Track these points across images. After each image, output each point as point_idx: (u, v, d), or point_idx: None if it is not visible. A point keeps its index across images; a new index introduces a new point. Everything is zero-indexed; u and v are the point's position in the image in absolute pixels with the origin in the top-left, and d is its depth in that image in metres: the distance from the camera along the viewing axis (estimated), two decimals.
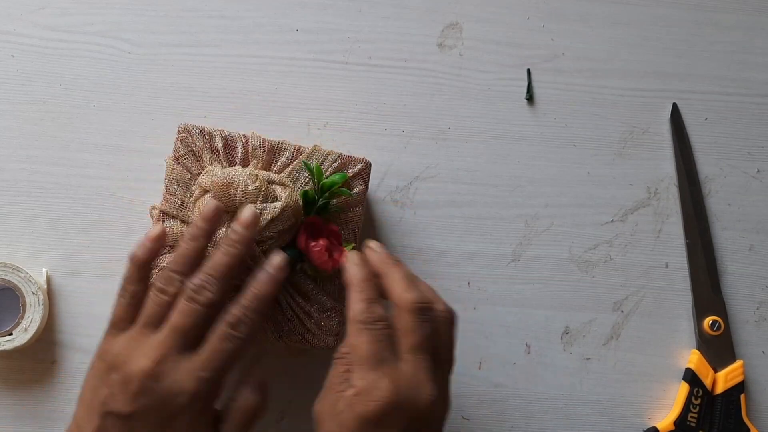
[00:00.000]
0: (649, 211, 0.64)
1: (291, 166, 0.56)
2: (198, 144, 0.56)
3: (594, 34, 0.66)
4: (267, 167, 0.55)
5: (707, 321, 0.61)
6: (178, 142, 0.56)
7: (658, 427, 0.59)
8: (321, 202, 0.55)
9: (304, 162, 0.55)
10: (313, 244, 0.54)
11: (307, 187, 0.55)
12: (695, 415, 0.59)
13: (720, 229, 0.64)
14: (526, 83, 0.65)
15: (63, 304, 0.60)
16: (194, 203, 0.54)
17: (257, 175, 0.53)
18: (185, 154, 0.56)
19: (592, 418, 0.61)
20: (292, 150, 0.56)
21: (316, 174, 0.55)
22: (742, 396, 0.59)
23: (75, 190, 0.62)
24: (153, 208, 0.56)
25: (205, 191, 0.53)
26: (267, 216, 0.51)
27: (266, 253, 0.52)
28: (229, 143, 0.56)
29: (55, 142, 0.62)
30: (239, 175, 0.52)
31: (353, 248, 0.55)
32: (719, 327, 0.61)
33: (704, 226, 0.63)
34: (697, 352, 0.60)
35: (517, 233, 0.63)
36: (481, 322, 0.62)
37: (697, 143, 0.65)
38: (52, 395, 0.59)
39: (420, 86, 0.64)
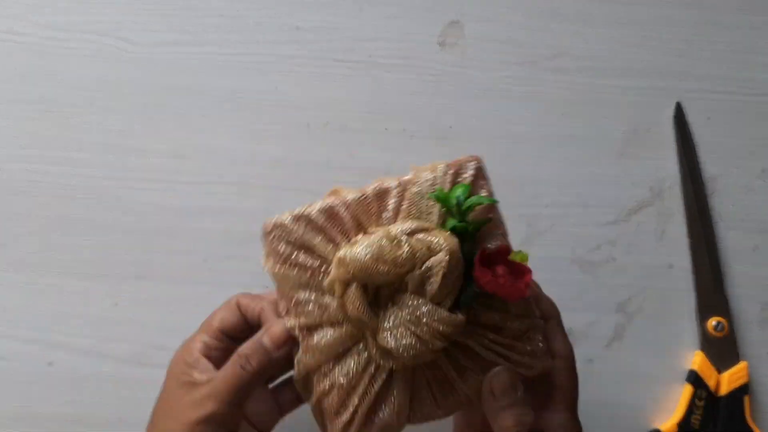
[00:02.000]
0: (653, 211, 0.63)
1: (405, 204, 0.45)
2: (298, 232, 0.45)
3: (596, 33, 0.66)
4: (380, 217, 0.46)
5: (711, 322, 0.60)
6: (275, 241, 0.45)
7: (662, 429, 0.59)
8: (470, 228, 0.45)
9: (430, 195, 0.45)
10: (498, 278, 0.43)
11: (433, 216, 0.45)
12: (699, 417, 0.58)
13: (724, 229, 0.63)
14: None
15: (62, 304, 0.60)
16: (341, 300, 0.43)
17: (395, 237, 0.43)
18: (291, 252, 0.45)
19: (595, 420, 0.60)
20: (395, 186, 0.46)
21: (445, 201, 0.45)
22: (746, 398, 0.59)
23: (75, 190, 0.62)
24: (291, 329, 0.45)
25: (347, 282, 0.43)
26: (437, 274, 0.42)
27: (450, 310, 0.43)
28: (330, 214, 0.45)
29: (55, 142, 0.62)
30: (380, 247, 0.42)
31: (522, 255, 0.45)
32: (723, 328, 0.60)
33: (708, 226, 0.63)
34: (701, 353, 0.60)
35: (519, 233, 0.62)
36: None
37: (700, 143, 0.64)
38: (50, 396, 0.59)
39: (421, 85, 0.64)
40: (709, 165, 0.64)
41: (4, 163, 0.62)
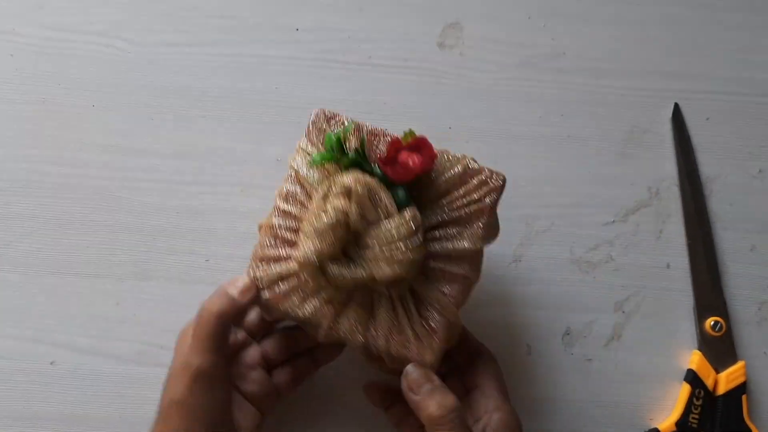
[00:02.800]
0: (651, 211, 0.63)
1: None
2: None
3: (595, 33, 0.66)
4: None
5: (709, 321, 0.61)
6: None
7: (660, 428, 0.59)
8: (352, 155, 0.50)
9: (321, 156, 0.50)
10: (407, 162, 0.49)
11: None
12: (696, 417, 0.59)
13: (721, 230, 0.63)
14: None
15: (63, 304, 0.60)
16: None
17: (321, 208, 0.48)
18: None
19: (594, 420, 0.60)
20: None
21: (331, 143, 0.50)
22: (744, 397, 0.59)
23: (75, 190, 0.62)
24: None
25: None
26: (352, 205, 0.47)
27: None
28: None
29: (55, 142, 0.62)
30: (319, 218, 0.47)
31: (409, 133, 0.50)
32: (721, 328, 0.61)
33: (706, 226, 0.63)
34: (699, 352, 0.60)
35: (517, 233, 0.63)
36: (482, 324, 0.61)
37: (698, 143, 0.64)
38: (52, 395, 0.59)
39: (420, 86, 0.64)
40: (707, 165, 0.64)
41: (3, 163, 0.62)
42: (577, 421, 0.60)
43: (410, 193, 0.49)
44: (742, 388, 0.59)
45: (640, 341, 0.61)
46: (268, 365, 0.53)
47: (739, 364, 0.60)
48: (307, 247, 0.47)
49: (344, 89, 0.64)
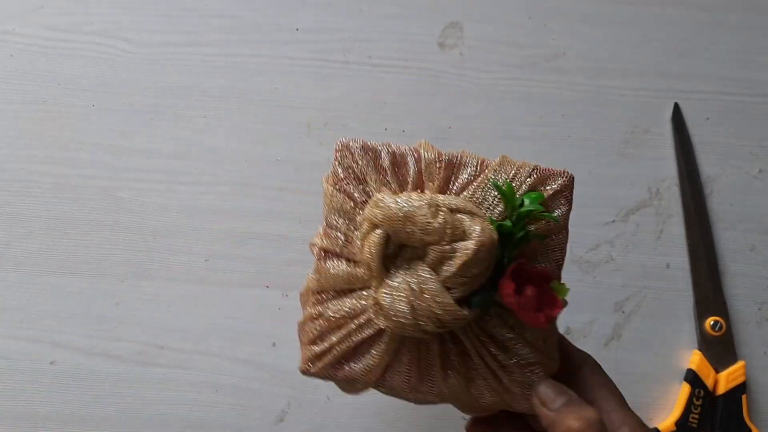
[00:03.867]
0: (651, 211, 0.64)
1: (475, 184, 0.43)
2: (360, 163, 0.44)
3: (595, 34, 0.66)
4: (445, 186, 0.44)
5: (709, 321, 0.61)
6: (337, 163, 0.45)
7: (660, 428, 0.59)
8: (519, 233, 0.42)
9: (492, 182, 0.43)
10: (521, 298, 0.41)
11: (497, 209, 0.43)
12: (696, 416, 0.59)
13: (721, 230, 0.63)
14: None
15: (63, 304, 0.60)
16: (363, 240, 0.42)
17: (438, 206, 0.41)
18: (346, 177, 0.44)
19: None
20: (475, 164, 0.44)
21: (508, 196, 0.42)
22: (744, 397, 0.59)
23: (75, 190, 0.62)
24: (313, 245, 0.45)
25: (375, 226, 0.42)
26: (457, 259, 0.40)
27: (458, 301, 0.41)
28: (397, 159, 0.44)
29: (55, 142, 0.62)
30: (417, 207, 0.41)
31: (563, 289, 0.42)
32: (721, 327, 0.61)
33: (706, 226, 0.63)
34: (699, 352, 0.60)
35: None
36: None
37: (698, 143, 0.64)
38: (52, 395, 0.59)
39: (421, 86, 0.64)
40: (707, 165, 0.64)
41: (4, 163, 0.62)
42: None
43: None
44: (742, 388, 0.59)
45: (640, 341, 0.61)
46: None
47: (739, 364, 0.60)
48: (391, 201, 0.42)
49: (344, 89, 0.64)
